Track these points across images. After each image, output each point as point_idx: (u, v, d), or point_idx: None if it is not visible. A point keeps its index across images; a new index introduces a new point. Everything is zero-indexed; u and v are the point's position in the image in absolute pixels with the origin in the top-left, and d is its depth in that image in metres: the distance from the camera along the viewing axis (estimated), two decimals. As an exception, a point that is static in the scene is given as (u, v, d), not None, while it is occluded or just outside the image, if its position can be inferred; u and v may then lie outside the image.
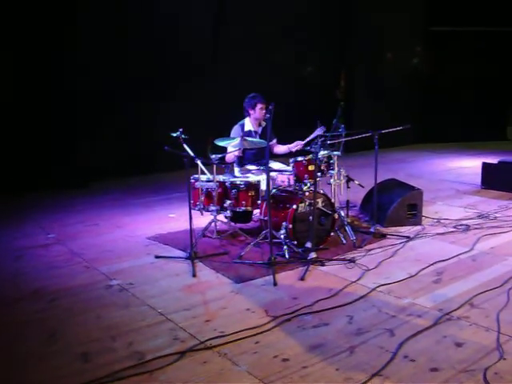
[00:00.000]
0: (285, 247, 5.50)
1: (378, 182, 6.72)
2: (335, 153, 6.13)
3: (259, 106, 6.62)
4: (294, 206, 5.60)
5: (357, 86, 13.91)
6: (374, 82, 13.80)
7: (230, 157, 6.52)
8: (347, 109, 13.45)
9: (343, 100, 13.81)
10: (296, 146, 6.72)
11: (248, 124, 6.74)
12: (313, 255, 5.33)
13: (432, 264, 5.35)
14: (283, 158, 6.76)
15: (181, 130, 5.87)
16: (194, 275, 5.13)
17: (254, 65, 11.31)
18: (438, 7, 14.22)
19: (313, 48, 12.68)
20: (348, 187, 6.43)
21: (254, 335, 3.91)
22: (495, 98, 15.24)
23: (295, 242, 5.59)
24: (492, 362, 3.51)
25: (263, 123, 6.72)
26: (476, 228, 6.64)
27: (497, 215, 7.23)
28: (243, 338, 3.87)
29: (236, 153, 6.46)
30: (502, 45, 14.99)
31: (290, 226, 5.56)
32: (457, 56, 14.85)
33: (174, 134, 5.87)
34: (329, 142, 6.08)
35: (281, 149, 6.96)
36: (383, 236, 6.25)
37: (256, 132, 6.73)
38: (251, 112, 6.69)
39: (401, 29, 14.03)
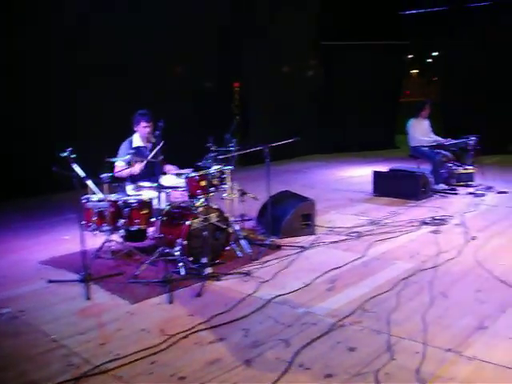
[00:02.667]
0: (180, 264, 5.45)
1: (273, 194, 6.81)
2: (227, 167, 6.15)
3: (142, 124, 6.50)
4: (188, 222, 5.56)
5: (252, 100, 14.00)
6: (269, 95, 13.94)
7: (125, 173, 6.38)
8: (243, 122, 13.58)
9: (238, 114, 13.90)
10: (170, 170, 6.65)
11: (137, 140, 6.60)
12: (209, 270, 5.32)
13: (326, 272, 5.47)
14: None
15: (70, 149, 5.70)
16: (88, 298, 4.98)
17: (150, 78, 11.12)
18: (330, 23, 14.64)
19: (209, 62, 12.64)
20: (242, 201, 6.47)
21: (150, 355, 3.84)
22: (384, 108, 15.85)
23: (191, 259, 5.54)
24: (383, 363, 3.63)
25: (152, 139, 6.59)
26: (368, 234, 6.86)
27: (387, 221, 7.50)
28: (139, 359, 3.79)
29: (137, 169, 6.33)
30: (388, 57, 15.68)
31: (185, 242, 5.51)
32: (347, 68, 15.33)
33: (63, 154, 5.69)
34: (221, 156, 6.10)
35: (167, 168, 6.83)
36: (278, 247, 6.32)
37: (146, 147, 6.62)
38: (136, 129, 6.59)
39: (294, 43, 14.31)
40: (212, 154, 6.12)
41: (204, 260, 5.40)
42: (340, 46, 15.26)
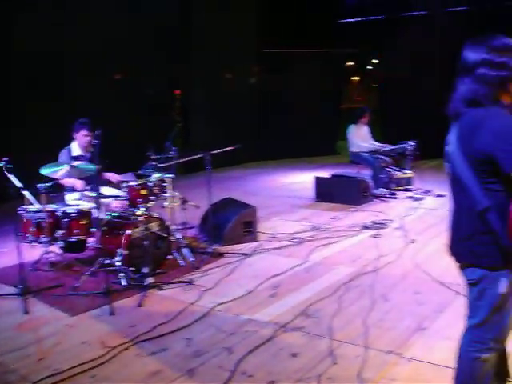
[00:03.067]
0: (121, 274, 5.36)
1: (215, 201, 6.79)
2: (168, 175, 6.10)
3: (83, 132, 6.38)
4: (129, 232, 5.49)
5: (193, 107, 13.91)
6: (211, 102, 13.88)
7: (68, 181, 6.24)
8: (184, 130, 13.52)
9: (179, 121, 13.82)
10: (113, 177, 6.56)
11: (75, 148, 6.47)
12: (150, 280, 5.25)
13: (268, 279, 5.48)
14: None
15: (5, 159, 5.55)
16: (27, 312, 4.84)
17: (87, 86, 10.89)
18: (271, 31, 14.73)
19: (149, 69, 12.46)
20: (184, 209, 6.43)
21: (91, 369, 3.76)
22: (326, 115, 16.04)
23: (132, 269, 5.46)
24: (325, 368, 3.66)
25: (91, 148, 6.47)
26: (310, 240, 6.92)
27: (328, 226, 7.58)
28: (79, 373, 3.71)
29: (78, 185, 6.19)
30: (329, 65, 15.92)
31: (126, 252, 5.44)
32: (288, 76, 15.45)
33: (-1, 165, 5.54)
34: (162, 164, 6.05)
35: (108, 176, 6.71)
36: (221, 255, 6.30)
37: (84, 157, 6.50)
38: (75, 137, 6.47)
39: (235, 51, 14.30)
40: (152, 162, 6.07)
41: (145, 270, 5.33)
42: (281, 54, 15.38)
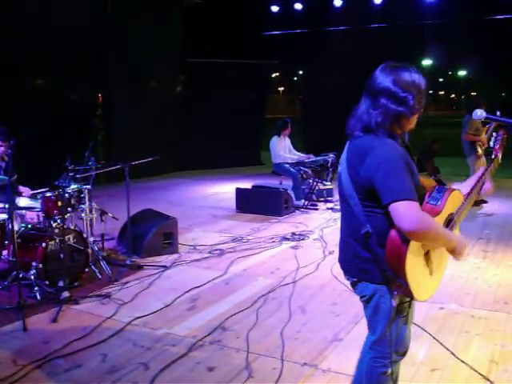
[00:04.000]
0: (36, 288, 5.21)
1: (135, 212, 6.71)
2: (86, 186, 5.99)
3: None
4: (44, 245, 5.35)
5: (116, 115, 13.66)
6: (135, 111, 13.69)
7: None
8: (106, 138, 13.29)
9: (102, 129, 13.57)
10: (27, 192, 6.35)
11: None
12: (66, 294, 5.11)
13: (187, 291, 5.46)
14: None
15: None
16: None
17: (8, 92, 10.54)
18: (196, 41, 14.74)
19: (72, 74, 12.14)
20: (102, 220, 6.32)
21: (0, 389, 3.64)
22: (249, 125, 16.16)
23: (47, 282, 5.32)
24: (242, 381, 3.67)
25: (6, 158, 6.26)
26: (230, 252, 6.93)
27: (249, 238, 7.62)
28: (-14, 393, 3.58)
29: None
30: (253, 75, 16.10)
31: (41, 265, 5.29)
32: (213, 86, 15.45)
33: None
34: (79, 175, 5.93)
35: (21, 189, 6.49)
36: (140, 267, 6.23)
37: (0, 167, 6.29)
38: None
39: (160, 60, 14.20)
40: (70, 173, 5.92)
41: (61, 283, 5.21)
42: (206, 64, 15.43)
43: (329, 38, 14.95)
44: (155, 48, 13.83)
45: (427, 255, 2.57)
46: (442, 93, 68.57)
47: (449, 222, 2.67)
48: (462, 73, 68.78)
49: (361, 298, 2.78)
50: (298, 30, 15.56)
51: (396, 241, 2.42)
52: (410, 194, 2.37)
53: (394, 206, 2.36)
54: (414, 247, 2.44)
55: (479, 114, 3.03)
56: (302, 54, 16.99)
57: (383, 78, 2.56)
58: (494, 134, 3.13)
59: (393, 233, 2.43)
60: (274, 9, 14.49)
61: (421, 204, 2.52)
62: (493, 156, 3.03)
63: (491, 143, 3.10)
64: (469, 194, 2.80)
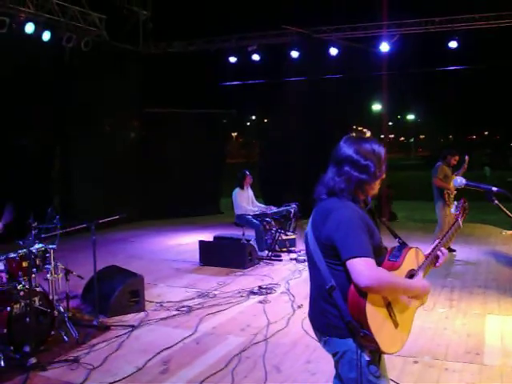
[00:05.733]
0: (0, 355, 5.00)
1: (99, 268, 6.55)
2: (51, 246, 5.84)
3: None
4: (9, 308, 5.16)
5: (74, 167, 13.41)
6: (92, 161, 13.48)
7: None
8: (64, 191, 13.05)
9: (59, 181, 13.29)
10: None
11: None
12: (33, 360, 4.92)
13: (158, 353, 5.32)
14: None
15: None
16: None
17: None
18: (152, 91, 14.81)
19: (29, 122, 11.95)
20: (67, 280, 6.15)
21: None
22: (208, 174, 16.20)
23: (12, 348, 5.11)
24: None
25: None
26: (198, 308, 6.80)
27: (215, 293, 7.51)
28: None
29: None
30: (210, 124, 16.28)
31: (5, 330, 5.08)
32: (170, 135, 15.49)
33: None
34: (44, 235, 5.79)
35: None
36: (107, 328, 6.04)
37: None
38: None
39: (118, 110, 14.19)
40: (33, 232, 5.76)
41: (26, 348, 5.01)
42: (165, 114, 15.49)
43: (286, 88, 15.21)
44: (113, 98, 13.82)
45: (390, 307, 2.69)
46: (392, 136, 70.54)
47: (410, 277, 2.83)
48: (410, 117, 71.02)
49: (333, 355, 2.82)
50: (256, 81, 15.81)
51: (355, 294, 2.58)
52: (365, 252, 2.56)
53: (350, 263, 2.55)
54: (373, 299, 2.59)
55: (459, 181, 3.21)
56: (258, 103, 17.26)
57: (346, 148, 2.79)
58: (455, 202, 3.30)
59: (352, 287, 2.59)
60: (232, 60, 14.66)
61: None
62: (454, 222, 3.20)
63: (453, 210, 3.28)
64: (430, 253, 2.99)
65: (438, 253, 3.02)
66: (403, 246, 2.87)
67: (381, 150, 2.79)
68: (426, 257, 2.94)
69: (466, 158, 9.59)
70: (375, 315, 2.59)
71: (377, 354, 2.71)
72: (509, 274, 8.49)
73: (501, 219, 13.37)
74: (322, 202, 2.80)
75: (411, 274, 2.83)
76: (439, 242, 3.03)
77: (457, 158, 9.54)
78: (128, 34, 14.39)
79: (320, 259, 2.72)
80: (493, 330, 5.95)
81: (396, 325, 2.70)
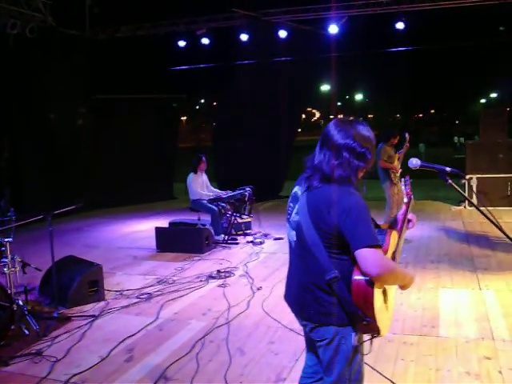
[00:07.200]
0: (-41, 353, 4.94)
1: (56, 259, 6.49)
2: (7, 239, 5.75)
3: None
4: (-33, 304, 5.09)
5: (24, 158, 13.15)
6: (40, 151, 13.23)
7: None
8: (16, 182, 12.76)
9: (9, 172, 12.99)
10: None
11: None
12: (-6, 356, 4.89)
13: (121, 341, 5.32)
14: None
15: None
16: None
17: None
18: (102, 77, 14.55)
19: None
20: (24, 273, 6.08)
21: None
22: (161, 159, 16.10)
23: (-29, 345, 5.06)
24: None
25: None
26: (158, 295, 6.82)
27: (175, 278, 7.54)
28: None
29: None
30: (161, 109, 16.28)
31: (-36, 327, 5.03)
32: (120, 121, 15.30)
33: None
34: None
35: None
36: (68, 319, 6.00)
37: None
38: None
39: (65, 97, 13.90)
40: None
41: (-13, 345, 4.96)
42: (114, 100, 15.29)
43: (235, 72, 15.21)
44: (60, 85, 13.55)
45: (384, 292, 2.77)
46: (341, 116, 71.10)
47: (393, 259, 2.92)
48: (358, 97, 71.70)
49: (319, 341, 2.84)
50: (205, 65, 15.75)
51: (362, 284, 2.59)
52: (376, 242, 2.56)
53: (362, 252, 2.53)
54: (377, 288, 2.63)
55: (414, 162, 3.26)
56: (208, 87, 17.20)
57: (343, 133, 2.71)
58: (402, 179, 3.41)
59: (357, 276, 2.60)
60: (181, 44, 14.55)
61: None
62: (406, 200, 3.30)
63: (402, 187, 3.39)
64: (400, 230, 3.08)
65: (409, 217, 3.15)
66: (382, 229, 2.94)
67: (372, 136, 2.77)
68: (399, 235, 3.02)
69: (407, 136, 9.75)
70: (378, 302, 2.64)
71: (368, 339, 2.81)
72: (459, 249, 8.77)
73: (450, 195, 13.76)
74: (319, 189, 2.72)
75: (393, 257, 2.92)
76: (404, 218, 3.14)
77: (397, 137, 9.73)
78: (74, 20, 14.04)
79: (320, 249, 2.67)
80: (446, 303, 6.17)
81: (387, 308, 2.80)
